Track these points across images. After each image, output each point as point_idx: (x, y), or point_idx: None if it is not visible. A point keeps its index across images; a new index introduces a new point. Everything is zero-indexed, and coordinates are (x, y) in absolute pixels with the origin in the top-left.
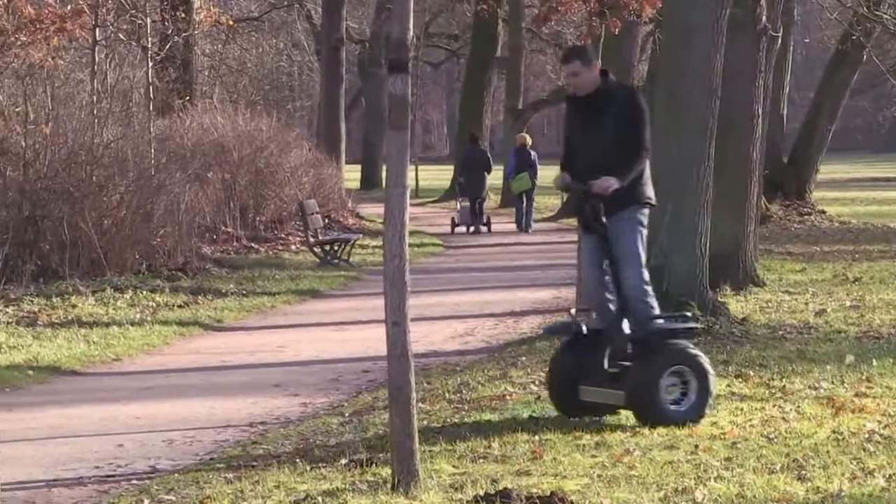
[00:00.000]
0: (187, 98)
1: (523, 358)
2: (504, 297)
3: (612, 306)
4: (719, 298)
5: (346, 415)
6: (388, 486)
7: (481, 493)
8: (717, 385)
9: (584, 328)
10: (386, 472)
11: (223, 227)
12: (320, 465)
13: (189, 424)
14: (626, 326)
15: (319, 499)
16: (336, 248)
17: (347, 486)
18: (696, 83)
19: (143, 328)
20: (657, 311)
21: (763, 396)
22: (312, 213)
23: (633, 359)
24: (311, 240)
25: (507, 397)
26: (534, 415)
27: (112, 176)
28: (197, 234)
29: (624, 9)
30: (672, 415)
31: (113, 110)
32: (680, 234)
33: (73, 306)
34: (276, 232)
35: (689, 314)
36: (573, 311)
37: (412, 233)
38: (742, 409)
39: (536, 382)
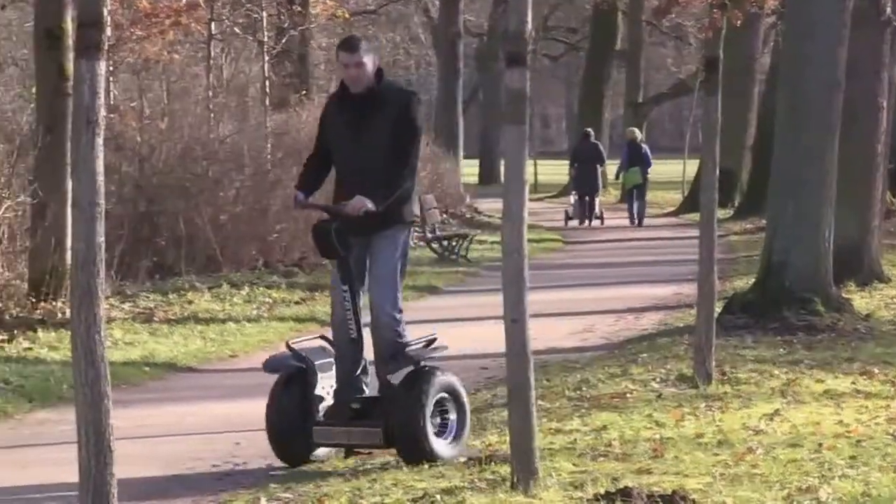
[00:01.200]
0: (303, 92)
1: (644, 355)
2: (623, 293)
3: (352, 335)
4: (843, 295)
5: None
6: (507, 484)
7: (601, 491)
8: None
9: (306, 362)
10: (505, 469)
11: None
12: (438, 463)
13: None
14: (367, 356)
15: (438, 497)
16: (454, 243)
17: (466, 484)
18: (820, 76)
19: (260, 324)
20: (407, 339)
21: (888, 394)
22: (430, 208)
23: (385, 390)
24: (429, 235)
25: (628, 395)
26: (655, 412)
27: (228, 171)
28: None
29: (746, 1)
30: (438, 448)
31: (228, 105)
32: (802, 230)
33: (190, 302)
34: None
35: (435, 336)
36: (292, 342)
37: (530, 228)
38: (867, 407)
39: (657, 380)
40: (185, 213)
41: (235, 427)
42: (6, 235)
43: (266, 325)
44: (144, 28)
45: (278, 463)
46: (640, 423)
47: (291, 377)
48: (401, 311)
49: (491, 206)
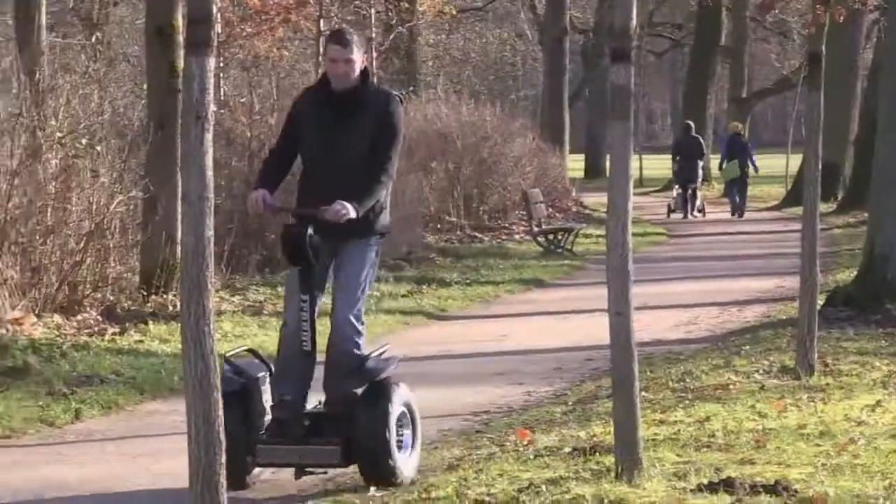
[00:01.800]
0: (411, 88)
1: (747, 347)
2: (726, 286)
3: (305, 347)
4: None
5: (570, 403)
6: (612, 474)
7: (704, 481)
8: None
9: (248, 376)
10: (609, 460)
11: (447, 217)
12: (543, 453)
13: None
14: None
15: (543, 487)
16: (560, 237)
17: (570, 474)
18: None
19: (367, 318)
20: (365, 351)
21: None
22: (536, 203)
23: (337, 406)
24: (535, 229)
25: (731, 386)
26: (757, 403)
27: None
28: (421, 224)
29: None
30: (401, 464)
31: None
32: None
33: None
34: (499, 221)
35: (388, 347)
36: (227, 355)
37: (635, 222)
38: None
39: (760, 371)
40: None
41: None
42: (118, 229)
43: (374, 318)
44: (254, 25)
45: None
46: (743, 415)
47: (231, 394)
48: (363, 324)
49: (596, 200)
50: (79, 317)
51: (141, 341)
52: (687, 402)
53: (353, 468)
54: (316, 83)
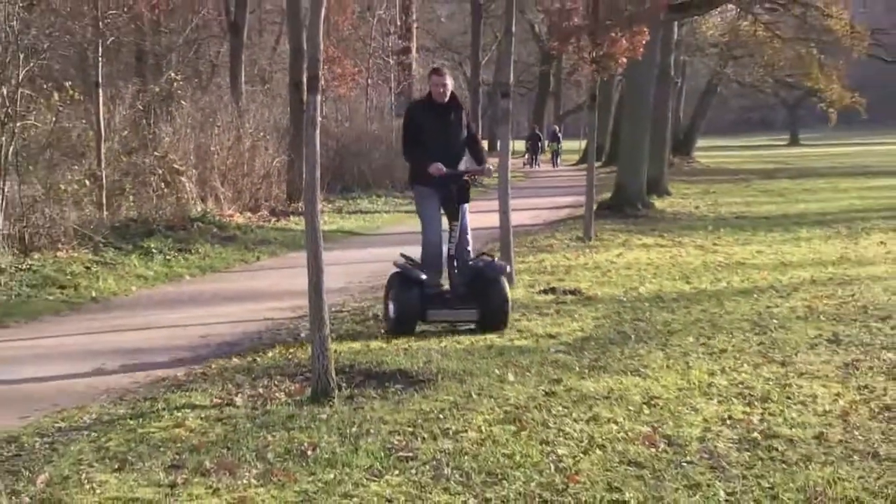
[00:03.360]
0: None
1: (561, 228)
2: (553, 201)
3: (447, 252)
4: (651, 201)
5: None
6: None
7: (542, 288)
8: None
9: (418, 267)
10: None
11: None
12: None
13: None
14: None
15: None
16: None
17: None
18: (645, 101)
19: (391, 215)
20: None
21: (669, 245)
22: None
23: (470, 286)
24: None
25: (554, 245)
26: (565, 253)
27: (375, 145)
28: None
29: None
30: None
31: (373, 116)
32: (633, 171)
33: (358, 204)
34: None
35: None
36: (402, 254)
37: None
38: (660, 251)
39: (567, 239)
40: (357, 164)
41: (382, 258)
42: (276, 174)
43: (393, 215)
44: (338, 80)
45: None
46: (560, 259)
47: (408, 277)
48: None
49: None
50: (258, 213)
51: (286, 225)
52: (534, 252)
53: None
54: (425, 98)
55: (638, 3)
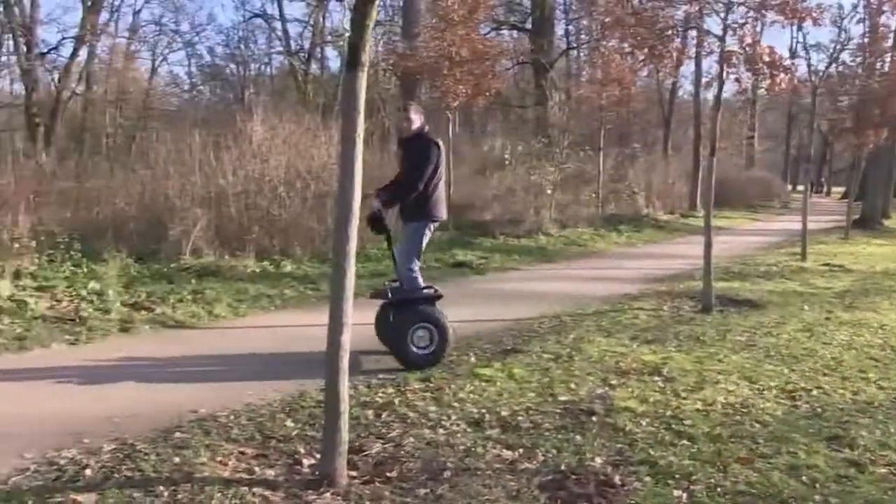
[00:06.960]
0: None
1: (832, 232)
2: (825, 217)
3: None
4: (882, 220)
5: None
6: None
7: (822, 263)
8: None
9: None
10: None
11: None
12: None
13: None
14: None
15: None
16: None
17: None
18: None
19: None
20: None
21: (893, 244)
22: None
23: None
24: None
25: (827, 240)
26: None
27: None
28: None
29: None
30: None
31: None
32: (872, 202)
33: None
34: None
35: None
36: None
37: None
38: (888, 247)
39: (836, 237)
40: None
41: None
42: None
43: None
44: None
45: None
46: (830, 248)
47: (436, 297)
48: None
49: None
50: (674, 213)
51: (689, 221)
52: (813, 244)
53: None
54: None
55: (882, 112)
